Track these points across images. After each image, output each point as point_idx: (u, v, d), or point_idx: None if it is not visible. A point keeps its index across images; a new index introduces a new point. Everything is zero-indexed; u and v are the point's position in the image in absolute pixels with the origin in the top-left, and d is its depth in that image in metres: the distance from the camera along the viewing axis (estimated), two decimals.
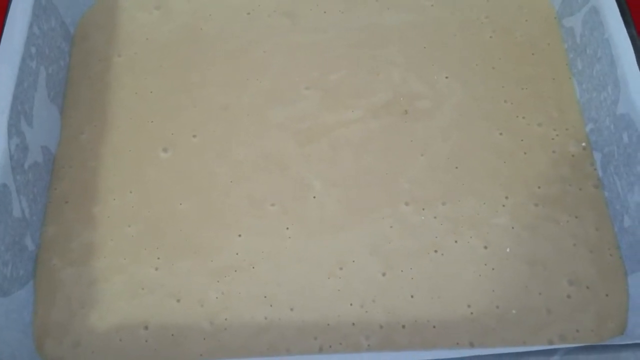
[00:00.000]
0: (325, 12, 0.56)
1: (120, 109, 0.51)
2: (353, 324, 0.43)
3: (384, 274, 0.44)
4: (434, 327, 0.43)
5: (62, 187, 0.48)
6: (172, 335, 0.43)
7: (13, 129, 0.43)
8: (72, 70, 0.53)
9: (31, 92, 0.46)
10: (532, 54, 0.53)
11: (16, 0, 0.47)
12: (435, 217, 0.46)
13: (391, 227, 0.46)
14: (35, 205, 0.45)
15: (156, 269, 0.45)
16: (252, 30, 0.55)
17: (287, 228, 0.46)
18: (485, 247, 0.45)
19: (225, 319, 0.43)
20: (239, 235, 0.46)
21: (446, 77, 0.52)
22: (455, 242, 0.45)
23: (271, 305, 0.44)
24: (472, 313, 0.43)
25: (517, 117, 0.50)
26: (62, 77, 0.52)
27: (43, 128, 0.47)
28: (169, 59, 0.53)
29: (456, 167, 0.48)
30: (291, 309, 0.43)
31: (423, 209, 0.47)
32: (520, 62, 0.53)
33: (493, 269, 0.44)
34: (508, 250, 0.45)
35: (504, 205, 0.47)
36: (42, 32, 0.49)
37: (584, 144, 0.49)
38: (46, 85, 0.48)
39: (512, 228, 0.46)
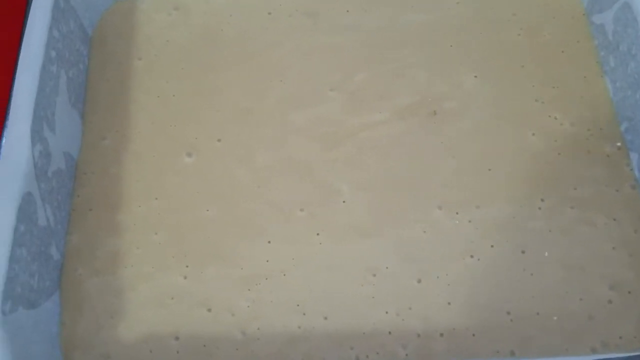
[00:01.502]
0: (347, 11, 0.55)
1: (141, 113, 0.50)
2: (389, 332, 0.42)
3: (419, 281, 0.43)
4: (473, 335, 0.42)
5: (85, 194, 0.46)
6: (204, 345, 0.41)
7: (36, 135, 0.42)
8: (91, 74, 0.52)
9: (53, 97, 0.45)
10: (562, 51, 0.52)
11: (35, 3, 0.46)
12: (469, 221, 0.45)
13: (424, 232, 0.45)
14: (60, 213, 0.44)
15: (185, 277, 0.44)
16: (273, 31, 0.54)
17: (317, 234, 0.45)
18: (523, 252, 0.44)
19: (258, 329, 0.42)
20: (268, 242, 0.45)
21: (475, 77, 0.51)
22: (492, 246, 0.44)
23: (304, 314, 0.42)
24: (511, 320, 0.42)
25: (549, 117, 0.49)
26: (81, 81, 0.50)
27: (65, 134, 0.46)
28: (189, 61, 0.52)
29: (489, 169, 0.47)
30: (325, 318, 0.42)
31: (457, 213, 0.45)
32: (549, 60, 0.52)
33: (532, 274, 0.43)
34: (546, 254, 0.44)
35: (539, 208, 0.45)
36: (61, 35, 0.47)
37: (619, 144, 0.48)
38: (67, 90, 0.47)
39: (549, 231, 0.45)
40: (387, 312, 0.42)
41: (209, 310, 0.42)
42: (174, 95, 0.51)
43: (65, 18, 0.49)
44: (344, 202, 0.46)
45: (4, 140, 0.42)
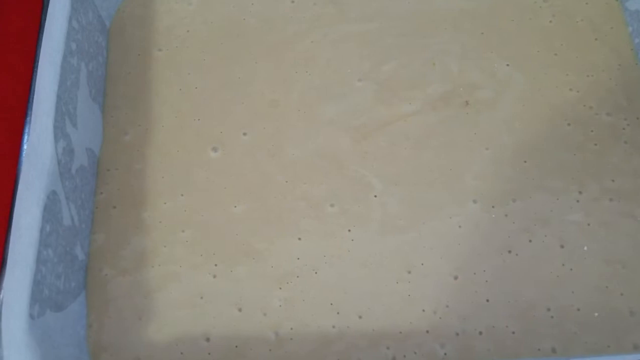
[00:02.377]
0: None
1: (164, 107, 0.48)
2: (427, 331, 0.40)
3: (455, 277, 0.42)
4: (513, 332, 0.40)
5: (109, 191, 0.45)
6: (236, 347, 0.40)
7: (59, 131, 0.40)
8: (110, 67, 0.50)
9: (74, 90, 0.43)
10: (595, 39, 0.50)
11: None
12: (506, 215, 0.44)
13: (460, 226, 0.43)
14: (83, 212, 0.43)
15: (214, 276, 0.42)
16: (297, 20, 0.52)
17: (349, 230, 0.44)
18: (562, 246, 0.43)
19: (291, 329, 0.41)
20: (299, 239, 0.43)
21: (507, 65, 0.49)
22: (530, 241, 0.43)
23: (338, 313, 0.41)
24: (552, 317, 0.41)
25: (584, 106, 0.48)
26: (101, 74, 0.49)
27: (87, 129, 0.45)
28: (211, 52, 0.51)
29: (524, 161, 0.46)
30: (360, 317, 0.41)
31: (493, 207, 0.44)
32: (582, 48, 0.50)
33: (571, 269, 0.42)
34: (585, 248, 0.43)
35: (577, 201, 0.44)
36: (80, 26, 0.46)
37: None
38: (87, 84, 0.46)
39: (588, 225, 0.43)
40: (423, 310, 0.41)
41: (240, 310, 0.41)
42: (196, 88, 0.49)
43: (84, 8, 0.47)
44: (375, 196, 0.45)
45: (26, 138, 0.41)
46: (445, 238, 0.43)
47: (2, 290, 0.35)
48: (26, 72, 0.44)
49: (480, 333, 0.40)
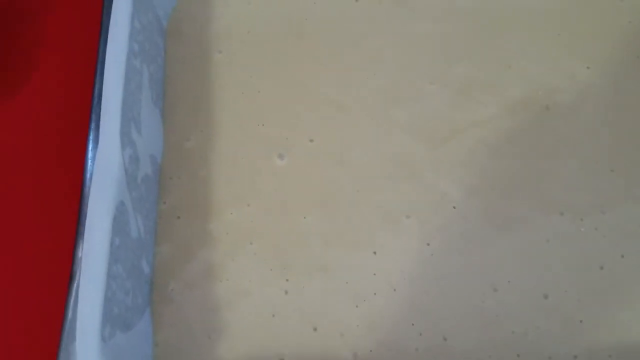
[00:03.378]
0: None
1: (226, 111, 0.46)
2: (517, 355, 0.38)
3: (545, 296, 0.39)
4: (610, 356, 0.37)
5: (172, 201, 0.43)
6: None
7: (125, 138, 0.38)
8: (169, 69, 0.48)
9: (137, 94, 0.41)
10: None
11: None
12: (596, 229, 0.41)
13: (548, 240, 0.41)
14: (148, 223, 0.40)
15: (286, 292, 0.40)
16: (362, 20, 0.49)
17: (428, 244, 0.41)
18: None
19: (370, 351, 0.38)
20: (374, 253, 0.41)
21: (587, 68, 0.46)
22: (622, 256, 0.40)
23: (420, 334, 0.38)
24: None
25: None
26: (160, 77, 0.46)
27: (149, 135, 0.42)
28: (273, 53, 0.48)
29: (611, 170, 0.43)
30: (444, 339, 0.38)
31: (581, 220, 0.41)
32: None
33: None
34: None
35: None
36: (142, 26, 0.44)
37: None
38: (149, 87, 0.43)
39: None
40: (513, 332, 0.38)
41: (315, 329, 0.39)
42: (259, 92, 0.47)
43: (144, 7, 0.45)
44: (454, 207, 0.42)
45: (90, 145, 0.39)
46: (531, 253, 0.40)
47: (72, 309, 0.33)
48: (88, 73, 0.42)
49: (575, 357, 0.37)
